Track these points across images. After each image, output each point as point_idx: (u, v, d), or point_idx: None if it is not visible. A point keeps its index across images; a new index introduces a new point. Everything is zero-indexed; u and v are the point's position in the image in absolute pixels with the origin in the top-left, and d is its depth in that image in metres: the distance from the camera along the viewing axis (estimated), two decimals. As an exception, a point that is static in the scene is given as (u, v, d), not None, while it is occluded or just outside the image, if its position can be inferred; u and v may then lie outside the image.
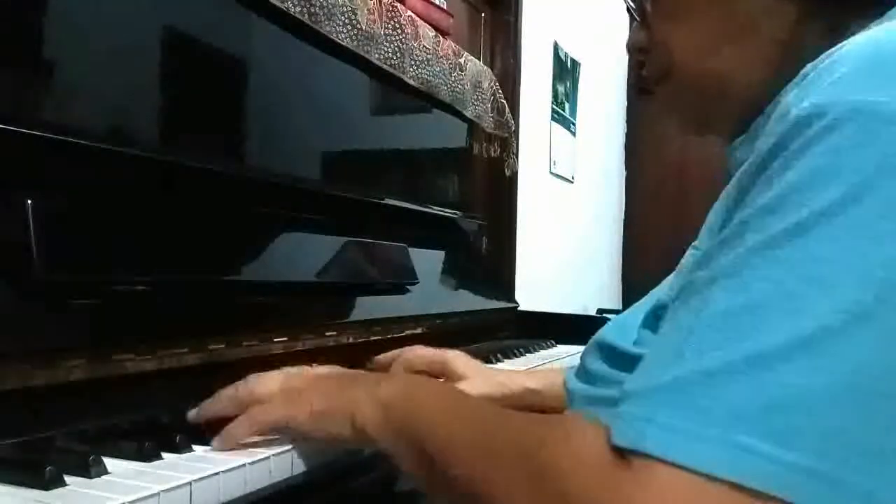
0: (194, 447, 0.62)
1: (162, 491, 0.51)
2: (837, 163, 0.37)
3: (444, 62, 1.44)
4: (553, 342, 1.49)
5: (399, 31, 1.27)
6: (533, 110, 2.42)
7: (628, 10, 0.64)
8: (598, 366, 0.67)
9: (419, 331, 1.19)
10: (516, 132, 1.92)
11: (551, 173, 2.65)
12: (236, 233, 0.93)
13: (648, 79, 0.63)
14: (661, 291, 0.61)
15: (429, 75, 1.38)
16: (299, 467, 0.64)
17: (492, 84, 1.71)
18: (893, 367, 0.34)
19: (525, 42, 2.22)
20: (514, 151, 1.89)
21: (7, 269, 0.63)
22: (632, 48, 0.64)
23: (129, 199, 0.78)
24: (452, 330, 1.30)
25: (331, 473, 0.68)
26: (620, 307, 3.36)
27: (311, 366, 0.71)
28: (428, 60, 1.37)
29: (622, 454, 0.38)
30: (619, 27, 3.50)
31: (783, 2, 0.54)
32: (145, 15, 0.84)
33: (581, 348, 1.42)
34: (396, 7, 1.28)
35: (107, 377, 0.67)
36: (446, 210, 1.53)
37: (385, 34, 1.23)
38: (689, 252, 0.67)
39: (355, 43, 1.14)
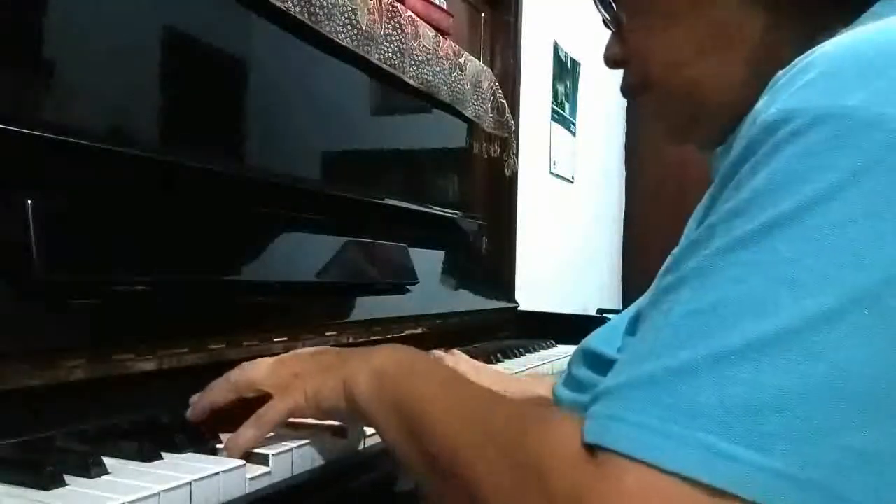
0: (194, 447, 0.62)
1: (162, 491, 0.51)
2: (805, 166, 0.37)
3: (444, 62, 1.44)
4: (553, 342, 1.49)
5: (399, 31, 1.27)
6: (533, 110, 2.42)
7: (603, 21, 0.64)
8: (584, 373, 0.67)
9: (419, 331, 1.19)
10: (516, 132, 1.92)
11: (551, 173, 2.65)
12: (236, 233, 0.93)
13: (629, 89, 0.63)
14: (643, 299, 0.61)
15: (429, 75, 1.38)
16: (299, 467, 0.65)
17: (492, 84, 1.71)
18: (861, 369, 0.34)
19: (525, 42, 2.22)
20: (514, 151, 1.89)
21: (7, 269, 0.64)
22: (608, 60, 0.64)
23: (129, 199, 0.78)
24: (452, 330, 1.30)
25: (331, 473, 0.68)
26: (620, 307, 3.36)
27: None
28: (428, 60, 1.37)
29: (592, 451, 0.38)
30: (619, 27, 3.47)
31: (754, 11, 0.53)
32: (145, 15, 0.84)
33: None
34: (396, 7, 1.28)
35: (107, 377, 0.67)
36: (446, 210, 1.53)
37: (385, 34, 1.23)
38: (668, 260, 0.67)
39: (355, 43, 1.15)
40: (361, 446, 0.73)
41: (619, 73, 0.65)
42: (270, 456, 0.61)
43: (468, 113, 1.58)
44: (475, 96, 1.60)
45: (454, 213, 1.58)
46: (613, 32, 0.63)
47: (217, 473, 0.56)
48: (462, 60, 1.53)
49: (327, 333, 0.98)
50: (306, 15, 1.03)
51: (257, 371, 0.66)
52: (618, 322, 0.68)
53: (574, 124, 2.86)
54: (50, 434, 0.61)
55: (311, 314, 0.99)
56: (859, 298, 0.35)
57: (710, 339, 0.36)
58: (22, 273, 0.64)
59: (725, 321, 0.36)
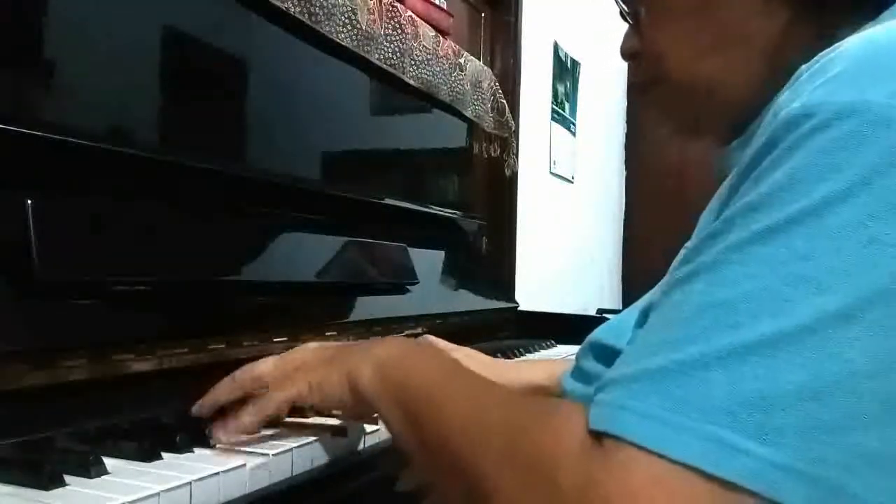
0: (194, 447, 0.62)
1: (162, 491, 0.51)
2: (827, 162, 0.37)
3: (444, 62, 1.44)
4: (553, 342, 1.49)
5: (399, 31, 1.27)
6: (533, 110, 2.42)
7: (621, 14, 0.64)
8: (592, 365, 0.67)
9: (419, 331, 1.19)
10: (516, 132, 1.92)
11: (551, 173, 2.65)
12: (236, 233, 0.93)
13: (641, 83, 0.63)
14: (653, 292, 0.62)
15: (429, 75, 1.38)
16: (299, 467, 0.65)
17: (492, 84, 1.71)
18: (875, 367, 0.34)
19: (525, 42, 2.22)
20: (514, 151, 1.89)
21: (7, 269, 0.64)
22: (624, 53, 0.64)
23: (129, 199, 0.78)
24: (452, 330, 1.30)
25: (331, 473, 0.68)
26: (620, 307, 3.35)
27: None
28: (428, 60, 1.37)
29: (598, 439, 0.38)
30: (618, 27, 3.47)
31: (773, 5, 0.53)
32: (145, 15, 0.84)
33: (579, 349, 1.42)
34: (396, 7, 1.28)
35: (107, 377, 0.67)
36: (446, 210, 1.53)
37: (385, 34, 1.23)
38: (681, 253, 0.67)
39: (355, 43, 1.15)
40: (361, 446, 0.73)
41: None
42: (270, 456, 0.61)
43: (468, 113, 1.58)
44: (475, 96, 1.60)
45: (454, 213, 1.58)
46: (630, 25, 0.63)
47: (217, 473, 0.56)
48: (462, 60, 1.53)
49: (327, 333, 0.98)
50: (306, 15, 1.03)
51: (261, 367, 0.67)
52: (627, 315, 0.68)
53: (574, 124, 2.86)
54: (50, 434, 0.61)
55: (311, 314, 0.99)
56: (875, 297, 0.35)
57: (722, 334, 0.36)
58: (22, 273, 0.64)
59: (739, 316, 0.36)
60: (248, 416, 0.63)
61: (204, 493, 0.54)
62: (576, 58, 2.85)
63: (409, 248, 1.25)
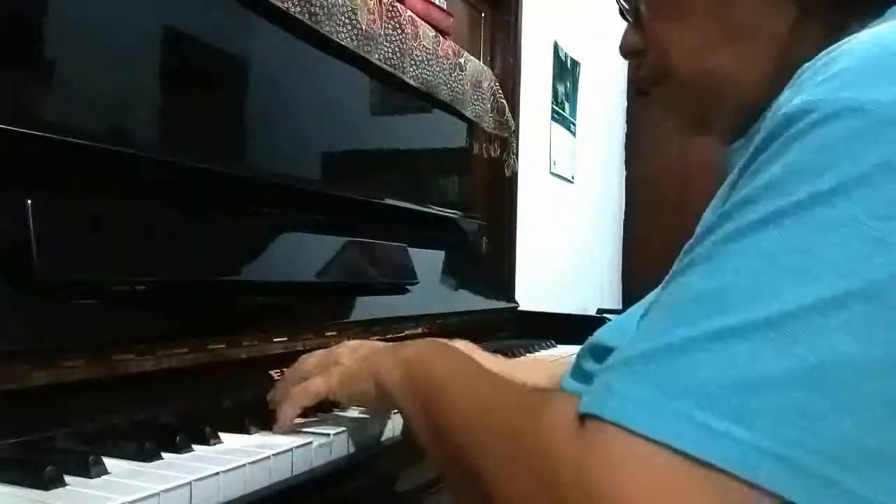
0: (194, 447, 0.62)
1: (162, 491, 0.51)
2: (824, 157, 0.37)
3: (444, 62, 1.44)
4: (553, 342, 1.49)
5: (399, 31, 1.27)
6: (533, 110, 2.42)
7: (620, 11, 0.63)
8: (592, 366, 0.67)
9: (419, 331, 1.19)
10: (516, 132, 1.92)
11: (551, 173, 2.65)
12: (236, 233, 0.93)
13: (644, 80, 0.62)
14: (656, 292, 0.61)
15: (429, 75, 1.38)
16: (299, 467, 0.65)
17: (492, 84, 1.71)
18: (866, 363, 0.34)
19: (525, 42, 2.22)
20: (514, 151, 1.89)
21: (7, 269, 0.64)
22: (625, 50, 0.63)
23: (129, 199, 0.78)
24: (452, 330, 1.30)
25: (331, 473, 0.68)
26: (620, 307, 3.36)
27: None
28: (428, 60, 1.37)
29: (585, 423, 0.39)
30: (619, 27, 3.48)
31: (783, 3, 0.53)
32: (145, 15, 0.84)
33: (580, 349, 1.42)
34: (396, 7, 1.28)
35: (107, 377, 0.68)
36: (446, 210, 1.53)
37: (385, 34, 1.23)
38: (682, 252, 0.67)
39: (355, 43, 1.15)
40: (362, 445, 0.73)
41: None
42: (270, 456, 0.61)
43: (468, 113, 1.58)
44: (475, 96, 1.60)
45: (454, 213, 1.58)
46: (630, 22, 0.62)
47: (217, 473, 0.56)
48: (462, 60, 1.53)
49: (327, 333, 0.98)
50: (306, 15, 1.03)
51: (308, 360, 0.74)
52: (628, 317, 0.68)
53: (574, 124, 2.86)
54: (50, 434, 0.61)
55: (311, 314, 0.99)
56: (864, 290, 0.35)
57: (709, 320, 0.36)
58: (22, 273, 0.64)
59: (726, 303, 0.37)
60: (287, 408, 0.69)
61: (204, 493, 0.54)
62: (576, 58, 2.85)
63: (409, 248, 1.25)
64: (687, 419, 0.35)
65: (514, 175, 2.02)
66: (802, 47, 0.51)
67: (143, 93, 0.86)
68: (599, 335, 0.69)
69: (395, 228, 1.27)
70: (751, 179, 0.40)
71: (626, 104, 3.61)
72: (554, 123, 2.65)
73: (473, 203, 1.79)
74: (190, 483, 0.53)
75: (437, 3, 1.49)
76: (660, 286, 0.67)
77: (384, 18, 1.23)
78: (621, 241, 3.65)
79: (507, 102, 1.78)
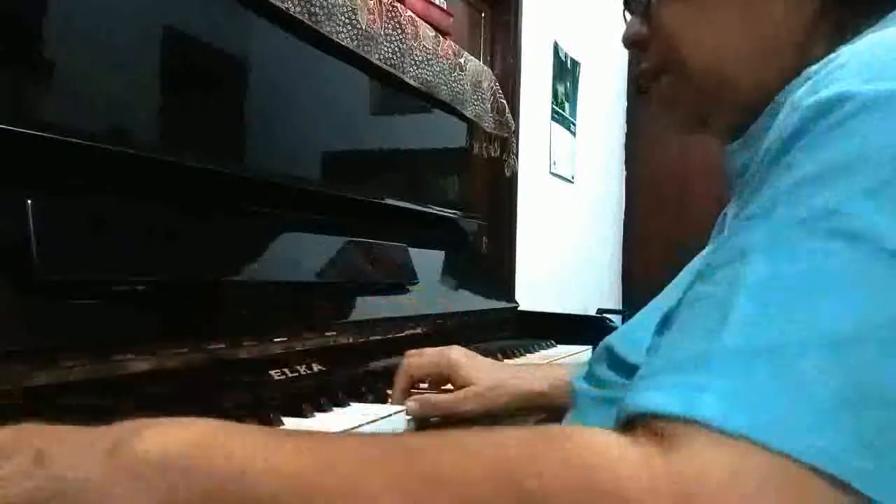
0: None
1: (162, 491, 0.51)
2: (871, 147, 0.36)
3: (444, 62, 1.44)
4: (553, 342, 1.49)
5: (399, 31, 1.27)
6: (533, 110, 2.42)
7: (624, 1, 0.62)
8: (604, 371, 0.67)
9: (419, 331, 1.19)
10: (516, 132, 1.92)
11: (551, 173, 2.65)
12: (236, 233, 0.93)
13: (646, 73, 0.60)
14: (669, 299, 0.57)
15: (429, 75, 1.38)
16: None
17: (492, 84, 1.71)
18: None
19: (525, 42, 2.22)
20: (514, 151, 1.89)
21: (7, 269, 0.63)
22: (628, 40, 0.61)
23: (129, 199, 0.78)
24: (452, 330, 1.30)
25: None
26: (620, 307, 3.36)
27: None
28: (428, 60, 1.37)
29: (649, 431, 0.34)
30: (619, 27, 3.47)
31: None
32: (145, 15, 0.84)
33: (581, 348, 1.42)
34: (396, 7, 1.28)
35: (107, 377, 0.67)
36: (446, 210, 1.53)
37: (385, 34, 1.23)
38: (694, 261, 0.66)
39: (355, 43, 1.15)
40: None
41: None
42: (270, 456, 0.61)
43: (468, 113, 1.58)
44: (475, 96, 1.60)
45: (454, 213, 1.58)
46: (637, 13, 0.60)
47: (217, 473, 0.56)
48: (462, 60, 1.53)
49: (327, 333, 0.98)
50: (306, 15, 1.03)
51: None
52: (639, 322, 0.67)
53: (574, 124, 2.86)
54: (50, 434, 0.61)
55: (311, 314, 0.99)
56: None
57: (808, 321, 0.34)
58: (22, 273, 0.64)
59: (814, 303, 0.34)
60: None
61: (204, 493, 0.54)
62: (576, 58, 2.85)
63: (409, 248, 1.25)
64: (808, 429, 0.32)
65: (514, 175, 2.02)
66: (814, 47, 0.50)
67: (143, 93, 0.86)
68: (612, 339, 0.68)
69: (395, 228, 1.27)
70: (791, 167, 0.38)
71: (626, 104, 3.60)
72: (554, 123, 2.65)
73: (473, 203, 1.79)
74: (190, 483, 0.53)
75: (437, 3, 1.49)
76: (668, 287, 0.67)
77: (384, 18, 1.23)
78: (621, 241, 3.65)
79: (507, 102, 1.78)
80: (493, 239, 1.99)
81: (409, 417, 0.80)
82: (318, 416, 0.77)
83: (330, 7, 1.07)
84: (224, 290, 0.88)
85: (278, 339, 0.88)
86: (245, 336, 0.84)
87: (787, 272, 0.35)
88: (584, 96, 2.94)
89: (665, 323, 0.53)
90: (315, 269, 1.02)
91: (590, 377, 0.70)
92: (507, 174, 1.94)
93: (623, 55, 3.36)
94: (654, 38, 0.59)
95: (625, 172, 3.68)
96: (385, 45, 1.23)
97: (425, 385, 0.89)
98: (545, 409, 0.86)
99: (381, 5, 1.22)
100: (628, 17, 0.63)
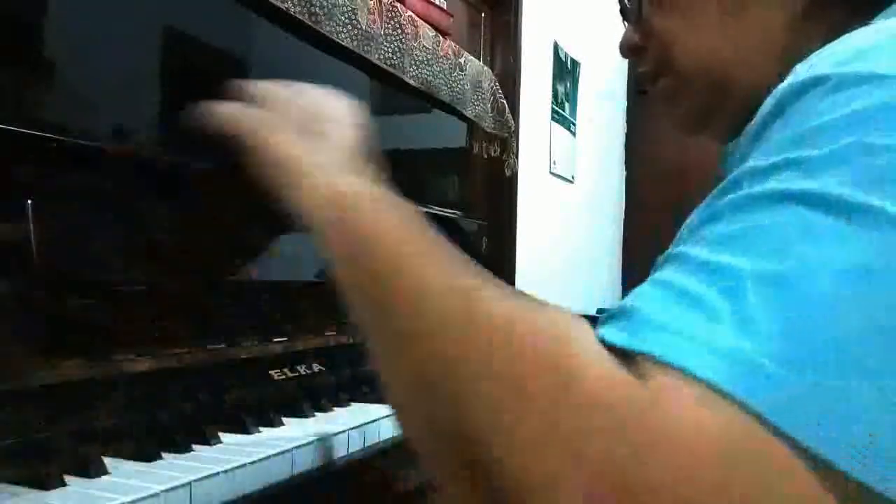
0: (194, 447, 0.62)
1: (162, 491, 0.51)
2: (844, 122, 0.35)
3: (444, 62, 1.44)
4: (553, 342, 1.49)
5: (399, 31, 1.27)
6: (533, 110, 2.42)
7: (621, 11, 0.64)
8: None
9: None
10: (516, 132, 1.92)
11: (551, 173, 2.65)
12: (236, 233, 0.93)
13: (645, 77, 0.62)
14: None
15: (429, 75, 1.38)
16: (299, 467, 0.65)
17: (492, 84, 1.71)
18: None
19: (525, 42, 2.22)
20: (514, 151, 1.89)
21: (7, 269, 0.64)
22: (625, 48, 0.63)
23: (129, 199, 0.78)
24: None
25: (331, 473, 0.68)
26: (620, 307, 3.35)
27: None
28: (428, 60, 1.37)
29: (624, 356, 0.33)
30: (618, 27, 3.48)
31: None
32: (145, 15, 0.84)
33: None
34: (396, 7, 1.28)
35: (107, 377, 0.68)
36: (446, 210, 1.53)
37: (385, 34, 1.23)
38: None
39: (355, 43, 1.15)
40: (361, 446, 0.73)
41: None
42: (271, 456, 0.61)
43: (468, 113, 1.58)
44: (475, 96, 1.60)
45: (454, 213, 1.58)
46: (631, 19, 0.63)
47: (217, 473, 0.56)
48: (462, 60, 1.53)
49: (327, 333, 0.98)
50: (306, 15, 1.03)
51: (279, 99, 0.62)
52: None
53: (574, 124, 2.86)
54: (50, 434, 0.61)
55: (311, 314, 0.99)
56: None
57: (758, 257, 0.33)
58: (22, 273, 0.64)
59: (775, 243, 0.33)
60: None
61: (204, 492, 0.54)
62: (576, 58, 2.85)
63: (409, 248, 1.25)
64: (755, 368, 0.30)
65: (514, 175, 2.02)
66: (804, 46, 0.51)
67: (143, 93, 0.86)
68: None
69: (395, 228, 1.27)
70: (772, 140, 0.38)
71: (626, 104, 3.61)
72: (554, 123, 2.65)
73: (473, 203, 1.79)
74: (190, 483, 0.53)
75: (437, 3, 1.49)
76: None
77: (384, 18, 1.23)
78: (621, 241, 3.65)
79: (507, 102, 1.78)
80: (493, 239, 1.99)
81: None
82: (319, 415, 0.77)
83: (330, 7, 1.07)
84: (224, 290, 0.88)
85: (278, 340, 0.88)
86: (245, 336, 0.84)
87: (736, 231, 0.35)
88: (584, 96, 2.94)
89: None
90: (315, 269, 1.02)
91: None
92: (507, 174, 1.94)
93: (623, 55, 3.35)
94: (649, 45, 0.61)
95: (625, 172, 3.68)
96: (385, 45, 1.23)
97: None
98: None
99: (381, 5, 1.22)
100: (626, 24, 0.64)
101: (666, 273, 0.36)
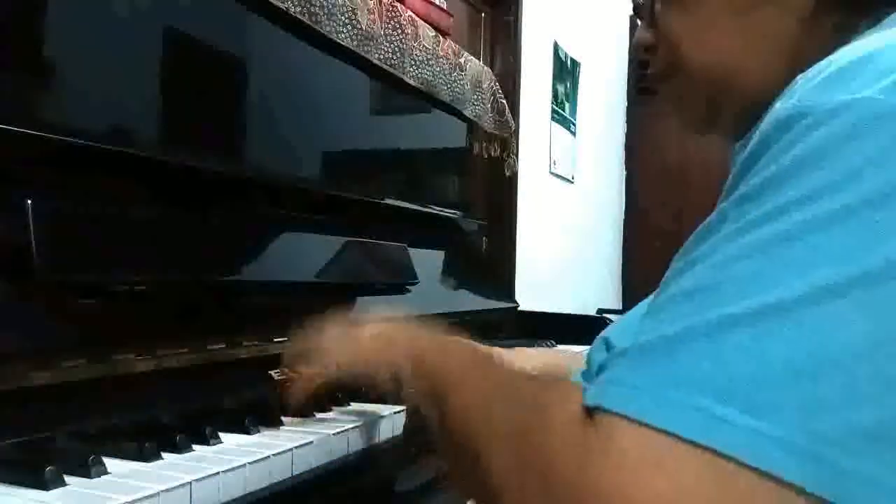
0: (194, 447, 0.62)
1: (162, 491, 0.51)
2: (821, 156, 0.37)
3: (444, 62, 1.44)
4: (553, 342, 1.49)
5: (399, 31, 1.27)
6: (533, 110, 2.42)
7: (634, 9, 0.64)
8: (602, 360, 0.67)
9: (419, 331, 1.19)
10: (516, 132, 1.92)
11: (551, 173, 2.65)
12: (236, 233, 0.93)
13: (654, 77, 0.63)
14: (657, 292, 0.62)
15: (429, 75, 1.38)
16: (299, 467, 0.65)
17: (492, 84, 1.71)
18: (866, 347, 0.34)
19: (525, 42, 2.22)
20: (514, 151, 1.89)
21: (7, 269, 0.64)
22: (637, 46, 0.64)
23: (129, 199, 0.78)
24: (452, 330, 1.30)
25: (331, 473, 0.68)
26: (620, 307, 3.36)
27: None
28: (428, 60, 1.37)
29: (591, 415, 0.38)
30: (619, 27, 3.50)
31: (797, 2, 0.53)
32: (145, 15, 0.84)
33: (581, 348, 1.42)
34: (396, 7, 1.28)
35: (107, 377, 0.67)
36: (446, 210, 1.53)
37: (385, 34, 1.23)
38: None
39: (355, 43, 1.15)
40: (361, 446, 0.73)
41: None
42: (270, 456, 0.61)
43: (468, 113, 1.58)
44: (475, 96, 1.60)
45: (454, 213, 1.58)
46: (644, 19, 0.63)
47: (217, 473, 0.56)
48: (462, 60, 1.53)
49: (327, 333, 0.98)
50: (306, 15, 1.03)
51: (328, 336, 0.75)
52: (634, 315, 0.68)
53: (574, 124, 2.86)
54: (50, 434, 0.61)
55: (311, 314, 0.99)
56: (865, 278, 0.35)
57: (709, 310, 0.37)
58: (22, 273, 0.64)
59: (727, 294, 0.37)
60: (296, 392, 0.71)
61: (204, 493, 0.54)
62: (576, 58, 2.85)
63: (409, 248, 1.25)
64: (695, 408, 0.35)
65: (514, 175, 2.02)
66: (812, 47, 0.51)
67: (143, 93, 0.86)
68: (609, 331, 0.70)
69: (395, 228, 1.27)
70: (748, 180, 0.40)
71: (626, 104, 3.60)
72: (554, 123, 2.65)
73: (473, 203, 1.79)
74: (190, 483, 0.53)
75: (437, 3, 1.49)
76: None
77: (384, 18, 1.23)
78: (621, 241, 3.65)
79: (507, 102, 1.78)
80: (493, 239, 1.99)
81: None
82: (319, 415, 0.77)
83: (330, 7, 1.07)
84: (224, 289, 0.88)
85: (278, 340, 0.88)
86: (245, 336, 0.84)
87: (708, 280, 0.38)
88: (584, 96, 2.94)
89: None
90: (315, 269, 1.02)
91: (587, 371, 0.71)
92: (507, 174, 1.94)
93: (623, 55, 3.36)
94: (661, 43, 0.61)
95: (625, 172, 3.68)
96: (385, 45, 1.23)
97: None
98: None
99: (381, 5, 1.22)
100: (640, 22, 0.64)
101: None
